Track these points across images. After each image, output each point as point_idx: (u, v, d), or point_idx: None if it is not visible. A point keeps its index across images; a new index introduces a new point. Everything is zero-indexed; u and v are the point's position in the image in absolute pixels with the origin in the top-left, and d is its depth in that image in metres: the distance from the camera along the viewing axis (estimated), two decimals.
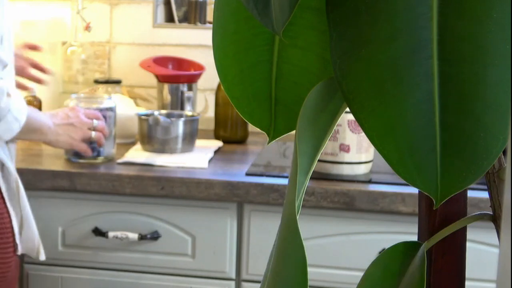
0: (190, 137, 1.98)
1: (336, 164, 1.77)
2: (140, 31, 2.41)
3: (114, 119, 1.91)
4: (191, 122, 1.99)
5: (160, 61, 2.28)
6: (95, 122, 1.81)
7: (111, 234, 1.78)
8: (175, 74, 2.24)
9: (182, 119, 1.99)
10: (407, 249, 0.61)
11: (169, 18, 2.48)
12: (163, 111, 2.08)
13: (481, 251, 1.67)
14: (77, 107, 1.82)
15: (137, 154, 1.93)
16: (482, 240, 1.65)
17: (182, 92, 2.20)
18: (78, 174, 1.77)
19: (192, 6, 2.44)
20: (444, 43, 0.52)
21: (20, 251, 1.61)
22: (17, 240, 1.59)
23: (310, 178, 0.58)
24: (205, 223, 1.77)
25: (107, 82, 2.30)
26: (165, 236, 1.79)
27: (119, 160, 1.86)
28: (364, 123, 0.54)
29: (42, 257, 1.66)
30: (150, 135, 1.94)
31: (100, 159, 1.88)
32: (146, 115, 1.99)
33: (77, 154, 1.88)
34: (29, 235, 1.62)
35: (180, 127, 1.96)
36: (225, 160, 1.95)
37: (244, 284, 1.78)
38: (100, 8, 2.41)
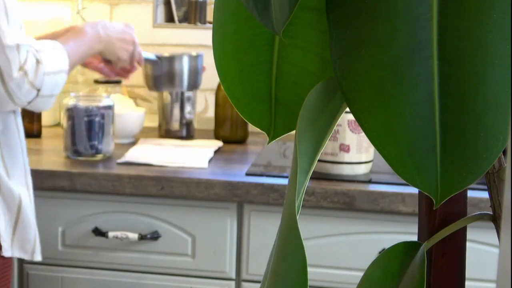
0: (195, 73, 2.14)
1: (336, 164, 1.77)
2: (140, 31, 2.41)
3: (112, 117, 1.92)
4: (195, 57, 2.15)
5: None
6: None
7: (111, 234, 1.78)
8: None
9: (186, 55, 2.14)
10: (407, 249, 0.61)
11: (169, 18, 2.48)
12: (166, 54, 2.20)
13: (481, 251, 1.67)
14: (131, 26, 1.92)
15: (138, 149, 1.94)
16: (482, 240, 1.65)
17: (182, 92, 2.20)
18: (78, 174, 1.77)
19: (192, 6, 2.44)
20: (444, 43, 0.52)
21: (8, 253, 1.57)
22: (2, 242, 1.56)
23: (310, 178, 0.58)
24: (205, 223, 1.77)
25: (107, 82, 2.30)
26: (165, 236, 1.79)
27: (119, 160, 1.86)
28: (364, 123, 0.54)
29: (37, 257, 1.62)
30: (156, 74, 2.09)
31: (98, 157, 1.88)
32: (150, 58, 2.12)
33: (77, 152, 1.88)
34: (23, 236, 1.59)
35: (185, 62, 2.11)
36: (225, 160, 1.95)
37: (244, 284, 1.78)
38: (100, 8, 2.41)
